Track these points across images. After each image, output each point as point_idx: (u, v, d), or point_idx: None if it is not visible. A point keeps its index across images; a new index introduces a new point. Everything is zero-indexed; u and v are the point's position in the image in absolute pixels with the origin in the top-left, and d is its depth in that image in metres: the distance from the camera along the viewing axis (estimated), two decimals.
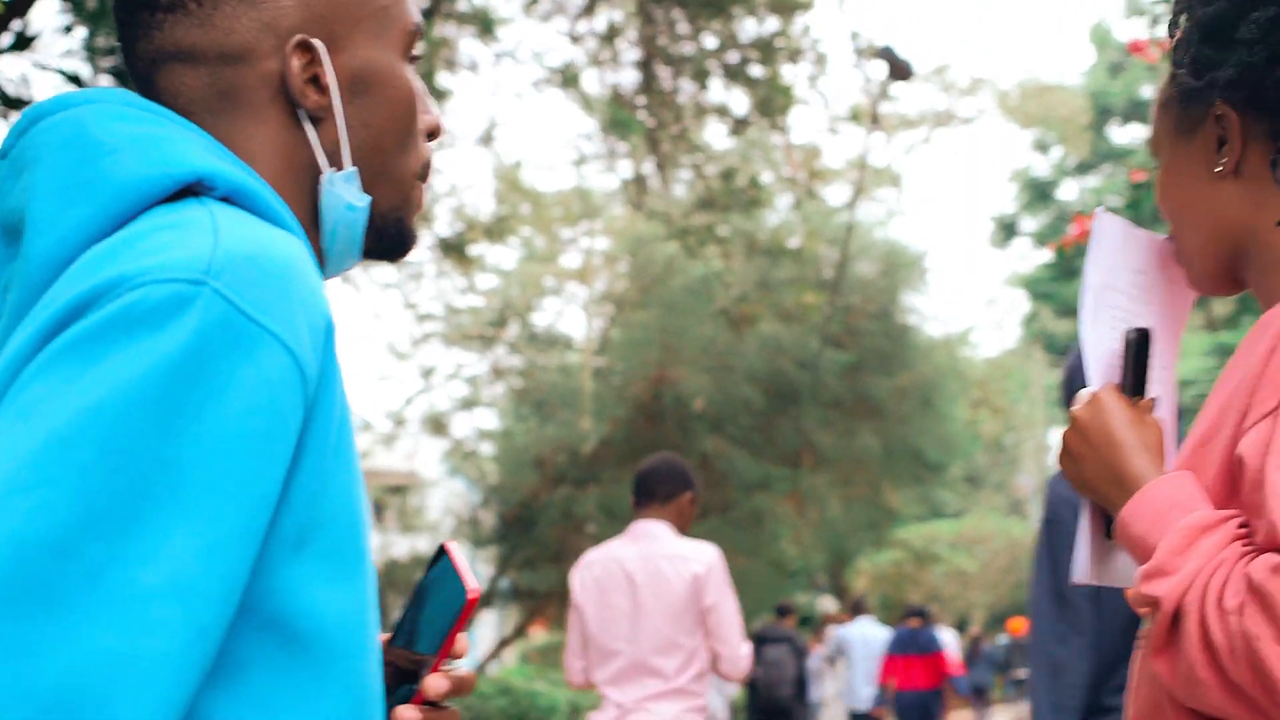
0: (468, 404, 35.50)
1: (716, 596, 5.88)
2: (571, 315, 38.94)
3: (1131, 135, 40.72)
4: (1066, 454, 1.80)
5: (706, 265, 15.55)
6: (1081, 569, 1.82)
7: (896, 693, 15.47)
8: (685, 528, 6.22)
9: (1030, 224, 44.34)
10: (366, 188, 1.45)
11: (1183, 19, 1.81)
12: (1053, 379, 35.94)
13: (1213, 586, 1.54)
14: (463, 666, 1.45)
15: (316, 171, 1.42)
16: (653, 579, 5.87)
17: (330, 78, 1.41)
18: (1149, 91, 37.45)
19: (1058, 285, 40.03)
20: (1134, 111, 39.39)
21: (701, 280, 18.00)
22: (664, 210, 15.43)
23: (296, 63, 1.39)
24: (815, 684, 17.77)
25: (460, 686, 1.44)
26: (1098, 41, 44.15)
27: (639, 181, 16.56)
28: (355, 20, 1.43)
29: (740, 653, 5.93)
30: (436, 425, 33.83)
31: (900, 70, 12.01)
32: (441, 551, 1.51)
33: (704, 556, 5.95)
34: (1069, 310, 39.99)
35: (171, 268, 1.17)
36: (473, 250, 18.69)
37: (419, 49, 1.51)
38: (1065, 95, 38.03)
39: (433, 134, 1.53)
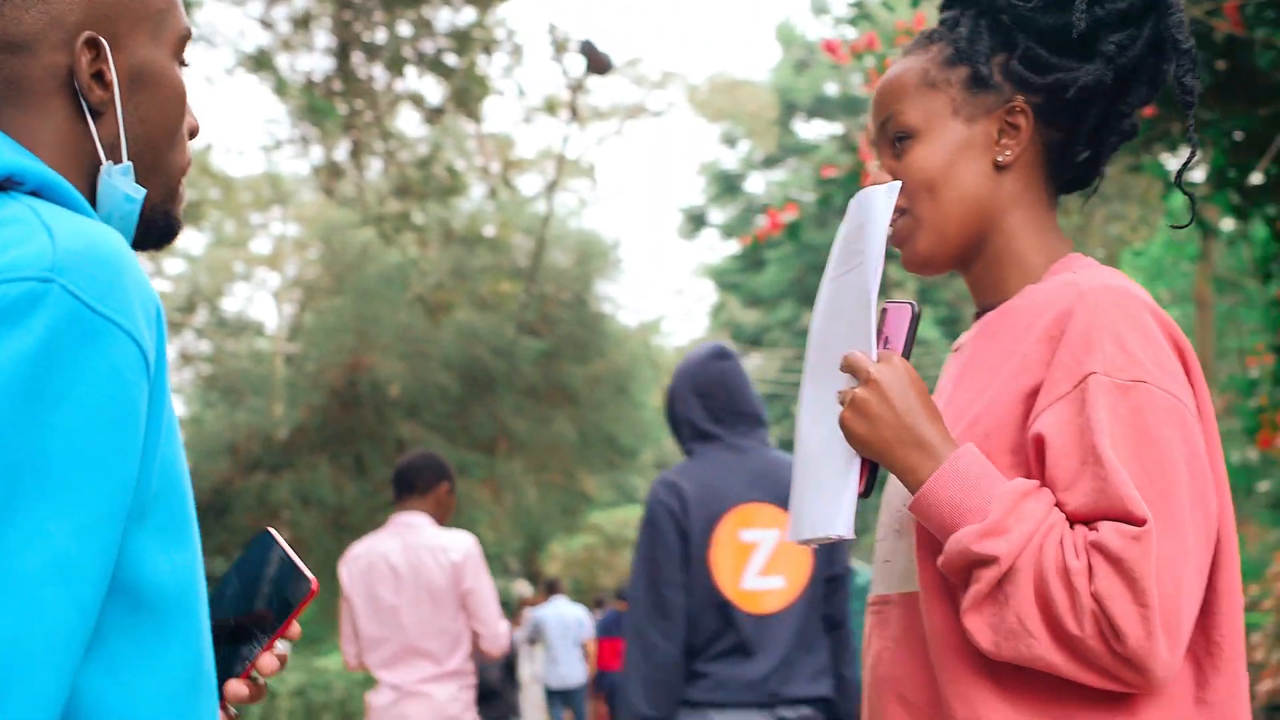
0: None
1: (473, 582, 6.17)
2: (262, 301, 38.23)
3: (816, 131, 41.66)
4: (860, 415, 1.81)
5: (402, 253, 15.50)
6: (846, 524, 1.83)
7: (601, 672, 15.76)
8: (444, 518, 6.52)
9: (718, 216, 44.90)
10: (140, 180, 1.52)
11: (983, 20, 2.02)
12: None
13: (1049, 548, 1.69)
14: (271, 664, 1.55)
15: (96, 163, 1.49)
16: (414, 569, 6.15)
17: (113, 74, 1.48)
18: (833, 89, 38.52)
19: (745, 276, 40.83)
20: (819, 108, 40.32)
21: (397, 267, 17.96)
22: (358, 197, 15.33)
23: (84, 58, 1.46)
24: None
25: (257, 696, 1.56)
26: (784, 39, 45.15)
27: (332, 168, 16.43)
28: (136, 21, 1.51)
29: (499, 630, 6.26)
30: None
31: (599, 64, 12.15)
32: (267, 537, 1.62)
33: (461, 545, 6.24)
34: (756, 300, 40.89)
35: (19, 267, 1.24)
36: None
37: (185, 47, 1.58)
38: (753, 91, 38.92)
39: (193, 134, 1.61)
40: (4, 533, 1.18)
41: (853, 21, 8.50)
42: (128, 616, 1.30)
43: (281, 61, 14.92)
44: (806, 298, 47.89)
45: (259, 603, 1.56)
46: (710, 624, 4.28)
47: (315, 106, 13.40)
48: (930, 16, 9.04)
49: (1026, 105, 2.00)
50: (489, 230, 20.17)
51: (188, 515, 1.39)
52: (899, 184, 1.93)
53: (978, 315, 2.09)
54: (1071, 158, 2.11)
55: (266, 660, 1.52)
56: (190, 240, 34.93)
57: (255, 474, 20.09)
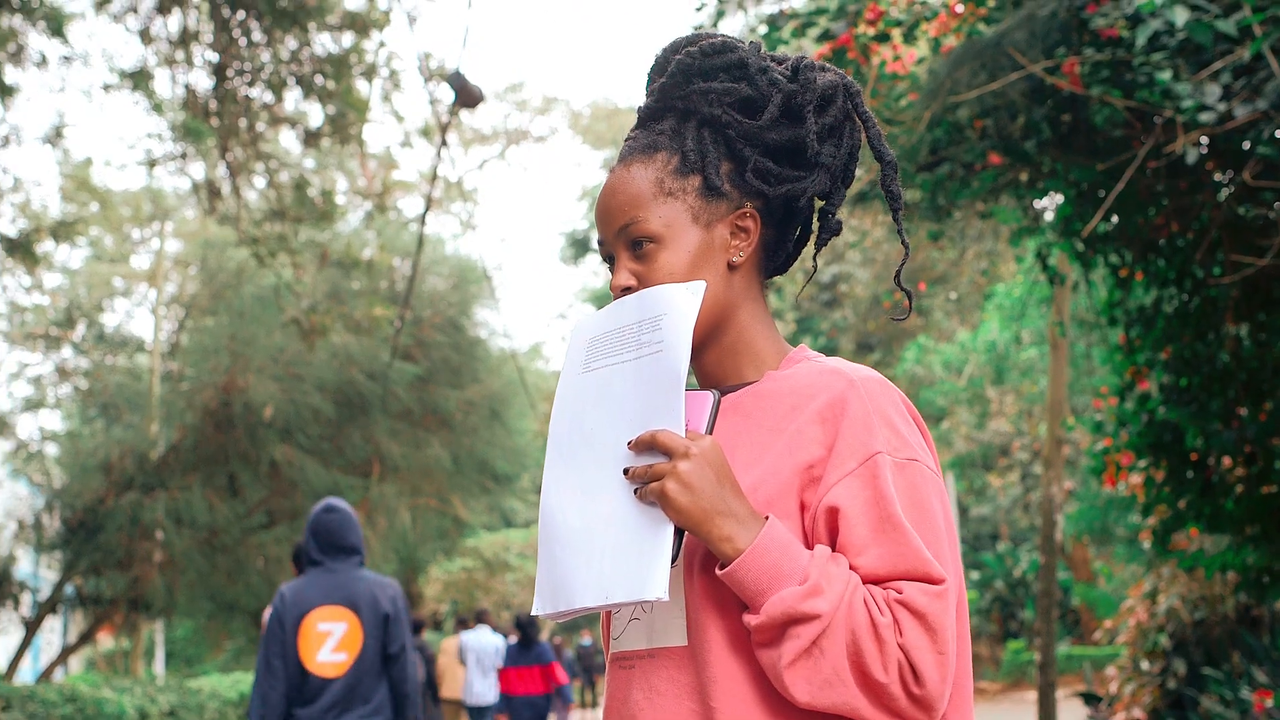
0: (32, 405, 34.29)
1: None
2: (141, 317, 37.84)
3: None
4: (684, 486, 1.91)
5: (278, 274, 15.45)
6: (661, 587, 1.92)
7: (504, 695, 17.20)
8: None
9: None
10: None
11: (705, 132, 2.20)
12: None
13: (856, 606, 1.90)
14: None
15: None
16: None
17: None
18: None
19: None
20: None
21: (272, 289, 17.90)
22: (235, 217, 15.28)
23: None
24: None
25: None
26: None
27: (210, 186, 16.38)
28: None
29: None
30: None
31: (469, 97, 12.17)
32: None
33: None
34: None
35: None
36: (39, 249, 18.08)
37: None
38: (634, 118, 39.12)
39: None
40: None
41: None
42: None
43: (161, 75, 14.87)
44: None
45: None
46: (296, 682, 6.69)
47: (190, 126, 13.36)
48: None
49: (755, 211, 2.21)
50: (367, 253, 20.17)
51: None
52: (703, 284, 2.06)
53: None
54: (781, 253, 2.33)
55: None
56: (69, 254, 34.61)
57: (129, 493, 19.88)
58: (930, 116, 7.77)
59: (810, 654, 1.89)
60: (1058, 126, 7.96)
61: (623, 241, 2.20)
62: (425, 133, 17.41)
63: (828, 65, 2.28)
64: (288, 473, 20.24)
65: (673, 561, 1.96)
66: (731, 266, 2.20)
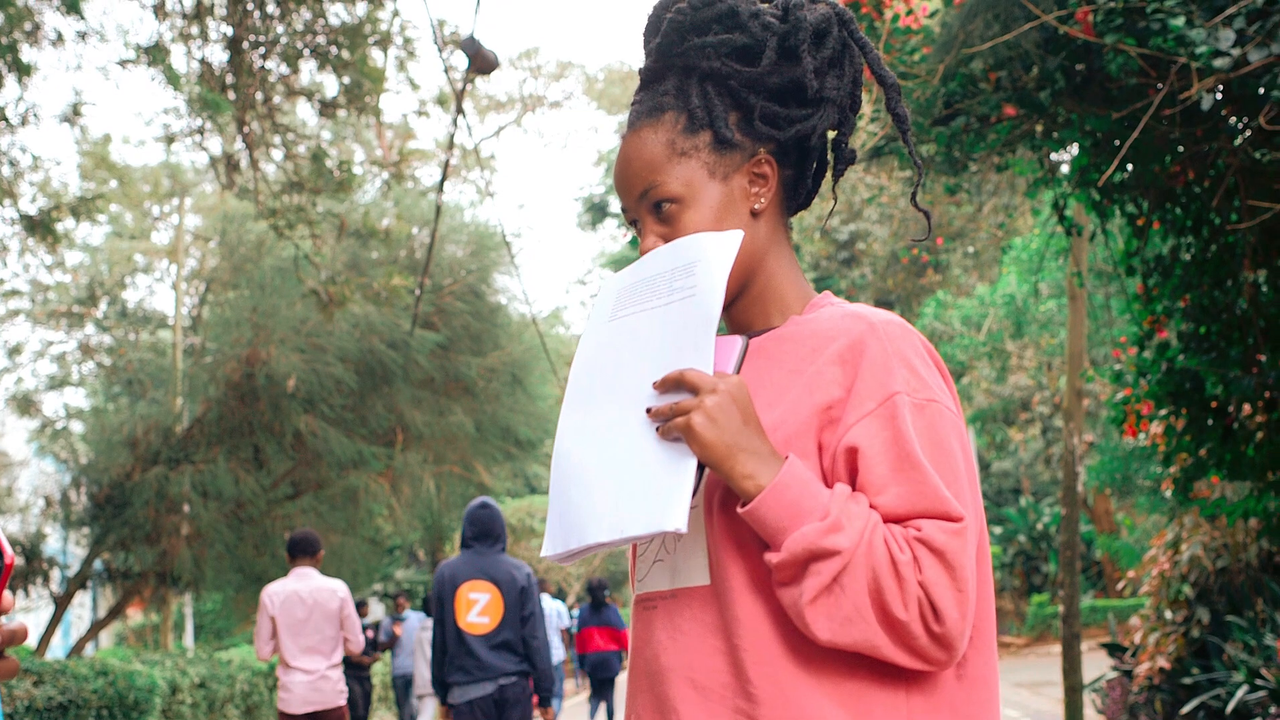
0: (57, 383, 34.43)
1: (349, 610, 10.48)
2: (162, 293, 37.92)
3: None
4: (710, 421, 1.95)
5: (297, 246, 15.48)
6: (681, 519, 1.94)
7: (584, 655, 18.63)
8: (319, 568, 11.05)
9: (618, 205, 45.10)
10: None
11: (709, 86, 2.23)
12: None
13: (876, 543, 1.93)
14: (14, 621, 1.70)
15: None
16: (315, 600, 10.37)
17: None
18: None
19: None
20: None
21: (292, 260, 17.95)
22: (254, 190, 15.32)
23: None
24: None
25: (10, 638, 1.68)
26: None
27: (228, 160, 16.41)
28: None
29: (360, 639, 10.62)
30: (24, 404, 32.72)
31: (484, 62, 12.16)
32: None
33: (341, 589, 10.52)
34: None
35: None
36: (60, 227, 18.14)
37: None
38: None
39: None
40: None
41: None
42: None
43: (177, 50, 14.89)
44: None
45: None
46: (454, 636, 8.87)
47: (207, 99, 13.38)
48: None
49: (769, 156, 2.25)
50: (385, 223, 20.19)
51: None
52: (739, 233, 2.10)
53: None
54: (802, 190, 2.37)
55: None
56: (90, 232, 34.70)
57: (155, 467, 19.98)
58: (944, 70, 7.79)
59: (831, 590, 1.93)
60: (1072, 76, 7.97)
61: (645, 206, 2.25)
62: (441, 101, 17.41)
63: (805, 2, 2.29)
64: (312, 443, 20.33)
65: (693, 495, 2.00)
66: (754, 214, 2.25)
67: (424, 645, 16.42)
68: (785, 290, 2.28)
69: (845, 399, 2.05)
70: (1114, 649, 14.80)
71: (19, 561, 18.56)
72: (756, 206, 2.24)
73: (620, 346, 2.15)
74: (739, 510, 2.00)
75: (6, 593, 1.69)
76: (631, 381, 2.10)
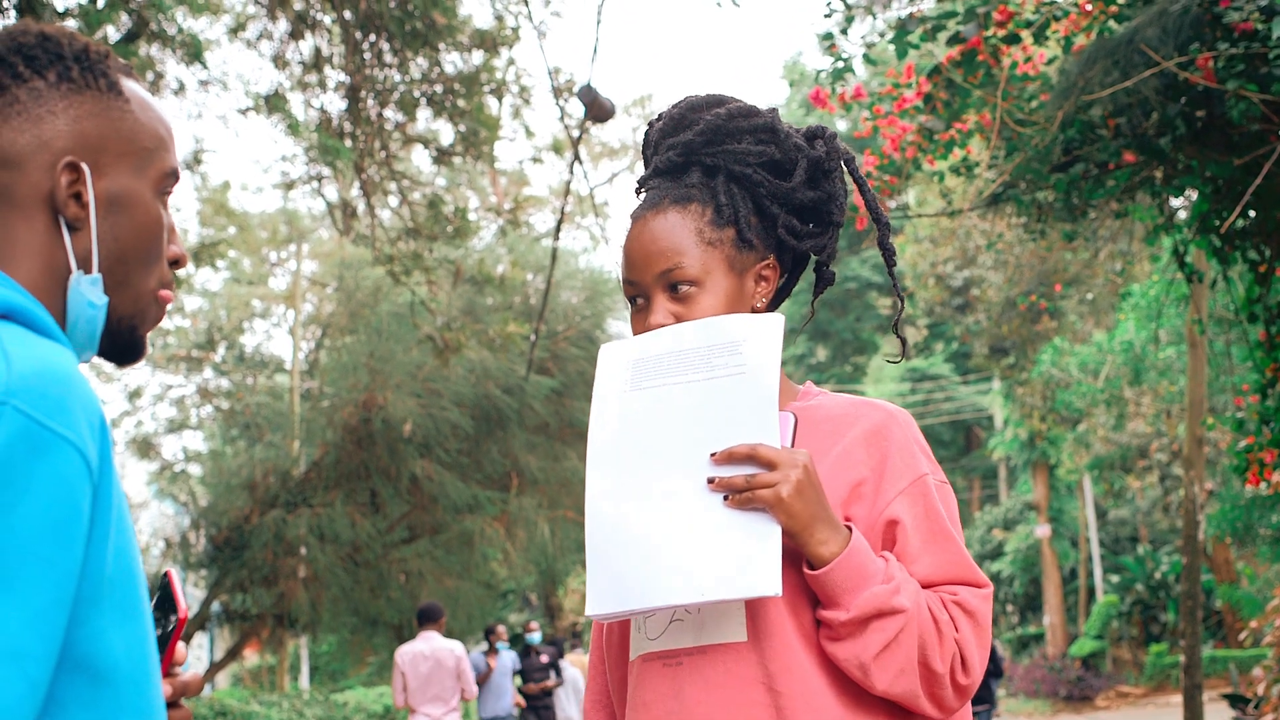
0: (176, 426, 34.97)
1: (464, 666, 12.65)
2: (280, 338, 38.44)
3: None
4: (797, 493, 2.13)
5: (413, 292, 15.64)
6: (776, 582, 2.11)
7: None
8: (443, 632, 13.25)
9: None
10: (109, 293, 1.72)
11: (735, 188, 2.43)
12: None
13: (923, 604, 2.19)
14: (188, 671, 1.77)
15: (69, 271, 1.70)
16: (436, 659, 12.53)
17: (90, 195, 1.69)
18: (843, 125, 38.74)
19: None
20: None
21: (408, 306, 18.13)
22: (370, 236, 15.51)
23: (64, 179, 1.68)
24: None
25: (186, 689, 1.76)
26: (792, 76, 45.42)
27: (345, 206, 16.62)
28: (119, 154, 1.73)
29: (474, 689, 12.87)
30: (144, 447, 33.26)
31: (600, 110, 12.24)
32: (165, 578, 1.83)
33: (458, 649, 12.73)
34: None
35: None
36: (180, 272, 18.41)
37: (170, 185, 1.80)
38: None
39: (176, 263, 1.82)
40: None
41: (835, 76, 8.69)
42: (88, 689, 1.47)
43: (294, 99, 15.12)
44: (819, 333, 48.09)
45: (158, 631, 1.76)
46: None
47: (327, 145, 13.58)
48: (914, 63, 9.24)
49: (775, 262, 2.48)
50: (501, 269, 20.34)
51: (139, 594, 1.56)
52: (782, 317, 2.28)
53: None
54: (784, 298, 2.59)
55: (163, 685, 1.71)
56: (209, 277, 35.26)
57: (273, 510, 20.22)
58: (1063, 116, 7.75)
59: (890, 646, 2.16)
60: (1192, 122, 7.91)
61: (662, 284, 2.40)
62: (556, 148, 17.55)
63: (829, 131, 2.52)
64: (427, 487, 20.47)
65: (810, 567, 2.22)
66: (754, 311, 2.44)
67: (575, 685, 17.83)
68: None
69: (873, 478, 2.30)
70: (1236, 700, 14.54)
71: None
72: (757, 304, 2.45)
73: (654, 416, 2.28)
74: (808, 573, 2.20)
75: (180, 645, 1.77)
76: (679, 451, 2.23)
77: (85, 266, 1.70)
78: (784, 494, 2.12)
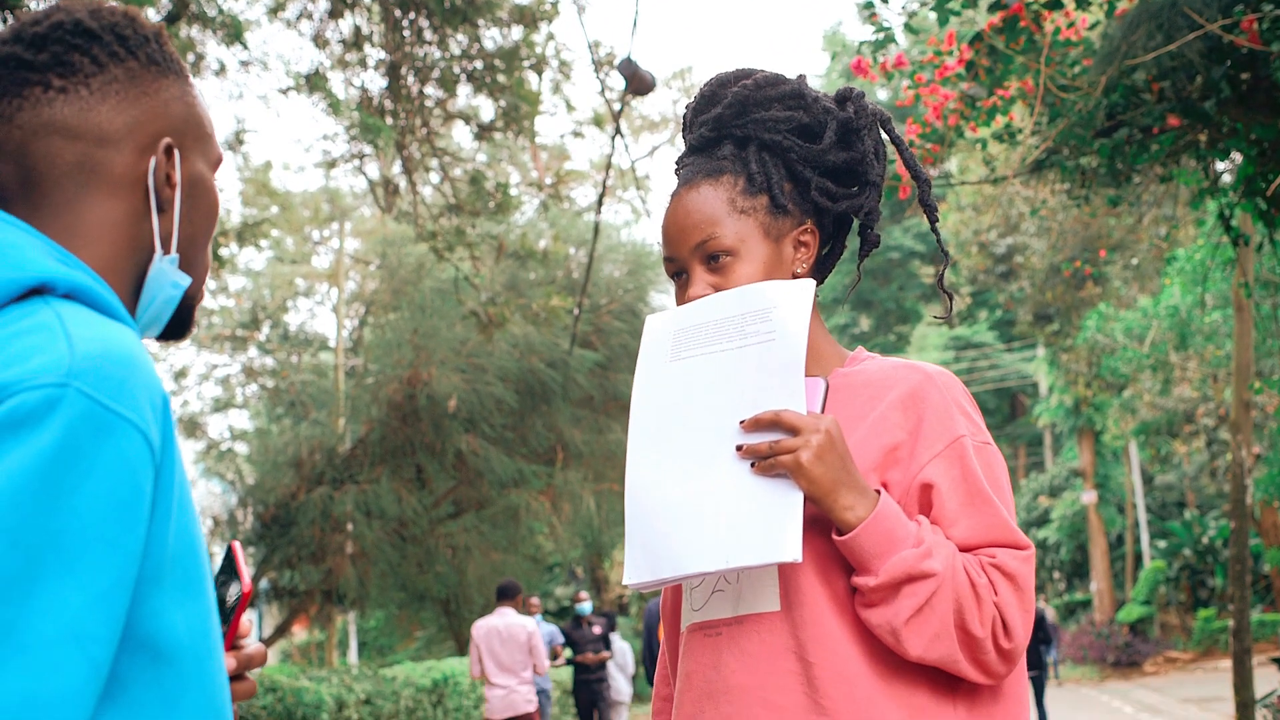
0: (221, 405, 35.16)
1: (536, 641, 13.54)
2: (323, 316, 38.59)
3: None
4: (819, 459, 2.12)
5: (456, 268, 15.67)
6: (796, 549, 2.10)
7: None
8: (519, 608, 14.07)
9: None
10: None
11: (766, 155, 2.43)
12: None
13: (959, 568, 2.15)
14: (253, 644, 1.79)
15: (148, 251, 1.73)
16: (509, 633, 13.43)
17: (178, 177, 1.73)
18: (884, 95, 38.61)
19: None
20: None
21: (451, 282, 18.17)
22: (413, 213, 15.54)
23: (163, 160, 1.71)
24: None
25: (250, 661, 1.79)
26: (832, 46, 45.26)
27: (387, 184, 16.65)
28: (196, 138, 1.78)
29: (545, 663, 13.67)
30: (190, 427, 33.47)
31: (641, 83, 12.22)
32: (229, 551, 1.84)
33: (530, 624, 13.61)
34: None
35: (39, 374, 1.42)
36: (223, 252, 18.51)
37: (218, 169, 1.84)
38: None
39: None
40: (28, 603, 1.36)
41: (876, 46, 8.66)
42: (150, 668, 1.48)
43: (335, 77, 15.15)
44: (862, 302, 47.98)
45: (221, 607, 1.77)
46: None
47: (368, 124, 13.61)
48: (956, 32, 9.21)
49: (814, 227, 2.46)
50: (542, 244, 20.35)
51: (202, 573, 1.57)
52: (813, 282, 2.29)
53: None
54: (830, 264, 2.60)
55: (226, 660, 1.73)
56: (252, 257, 35.41)
57: (319, 487, 20.32)
58: (1106, 81, 7.72)
59: (922, 611, 2.13)
60: (1237, 85, 7.86)
61: (699, 256, 2.42)
62: (597, 122, 17.53)
63: (857, 91, 2.53)
64: (473, 462, 20.54)
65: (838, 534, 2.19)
66: (795, 277, 2.43)
67: (624, 657, 18.45)
68: (822, 346, 2.47)
69: (909, 441, 2.28)
70: None
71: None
72: (798, 270, 2.44)
73: (691, 385, 2.29)
74: (836, 538, 2.18)
75: (245, 618, 1.77)
76: (712, 419, 2.24)
77: (165, 247, 1.73)
78: (804, 459, 2.11)
